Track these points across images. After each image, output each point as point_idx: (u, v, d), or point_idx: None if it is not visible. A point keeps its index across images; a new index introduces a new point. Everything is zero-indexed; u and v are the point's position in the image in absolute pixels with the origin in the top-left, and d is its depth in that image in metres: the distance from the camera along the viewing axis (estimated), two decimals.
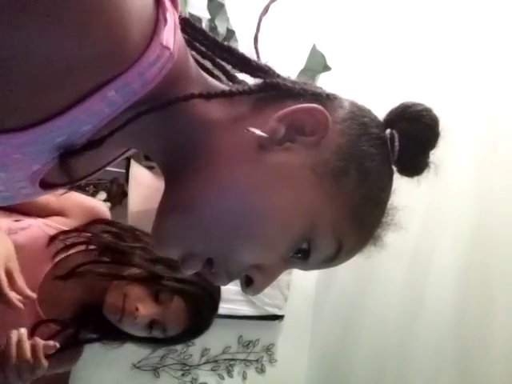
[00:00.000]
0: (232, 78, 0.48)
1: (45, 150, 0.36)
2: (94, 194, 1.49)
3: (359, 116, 0.44)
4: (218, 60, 0.46)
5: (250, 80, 0.45)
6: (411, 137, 0.44)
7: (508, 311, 1.08)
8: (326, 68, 1.79)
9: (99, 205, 1.03)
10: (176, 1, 0.37)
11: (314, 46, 1.81)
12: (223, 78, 0.47)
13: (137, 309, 0.88)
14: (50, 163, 0.38)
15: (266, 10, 1.74)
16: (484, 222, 1.17)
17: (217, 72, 0.47)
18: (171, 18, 0.35)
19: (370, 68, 1.82)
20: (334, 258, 0.43)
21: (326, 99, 0.43)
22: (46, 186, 0.43)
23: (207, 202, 0.39)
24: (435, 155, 0.45)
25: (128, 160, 1.47)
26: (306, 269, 0.45)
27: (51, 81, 0.30)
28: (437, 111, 0.45)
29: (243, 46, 1.78)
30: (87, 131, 0.36)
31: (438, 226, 1.30)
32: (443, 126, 0.45)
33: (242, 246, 0.40)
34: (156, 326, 0.90)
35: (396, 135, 0.44)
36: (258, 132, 0.39)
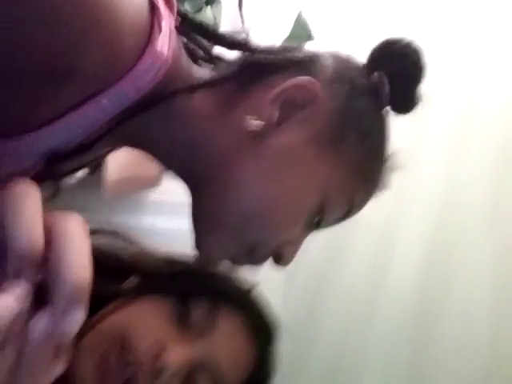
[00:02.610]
0: (215, 60, 0.48)
1: (34, 155, 0.37)
2: None
3: (345, 71, 0.45)
4: (201, 41, 0.47)
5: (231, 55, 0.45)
6: (400, 75, 0.45)
7: (465, 291, 1.15)
8: (310, 37, 1.76)
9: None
10: (172, 5, 0.38)
11: (300, 13, 1.77)
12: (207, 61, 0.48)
13: (159, 352, 0.44)
14: (33, 167, 0.38)
15: None
16: (450, 205, 1.23)
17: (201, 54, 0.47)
18: (166, 23, 0.36)
19: (354, 40, 1.76)
20: (346, 216, 0.48)
21: (310, 63, 0.44)
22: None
23: (231, 209, 0.45)
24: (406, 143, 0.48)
25: None
26: (322, 228, 0.49)
27: (47, 88, 0.31)
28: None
29: (227, 10, 1.73)
30: (78, 136, 0.37)
31: (408, 202, 1.35)
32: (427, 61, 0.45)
33: (271, 229, 0.45)
34: (200, 376, 0.47)
35: (384, 77, 0.45)
36: (254, 122, 0.41)
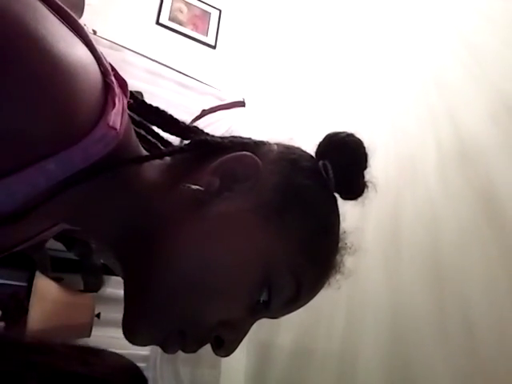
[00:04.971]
0: (167, 144, 0.49)
1: None
2: None
3: (288, 154, 0.46)
4: (154, 129, 0.49)
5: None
6: (342, 163, 0.47)
7: None
8: None
9: None
10: (125, 87, 0.40)
11: None
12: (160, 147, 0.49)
13: None
14: None
15: None
16: (398, 313, 1.23)
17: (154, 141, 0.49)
18: (119, 102, 0.37)
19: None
20: (296, 298, 0.43)
21: (255, 146, 0.45)
22: None
23: (162, 279, 0.39)
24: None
25: (32, 272, 1.38)
26: (273, 316, 0.45)
27: None
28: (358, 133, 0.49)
29: None
30: (17, 201, 0.35)
31: (358, 327, 1.34)
32: (368, 146, 0.48)
33: (206, 304, 0.40)
34: None
35: (328, 165, 0.47)
36: (193, 187, 0.41)
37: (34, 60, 0.30)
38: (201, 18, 2.29)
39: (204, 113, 1.47)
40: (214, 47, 2.27)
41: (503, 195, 1.04)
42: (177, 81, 2.04)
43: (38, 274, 1.40)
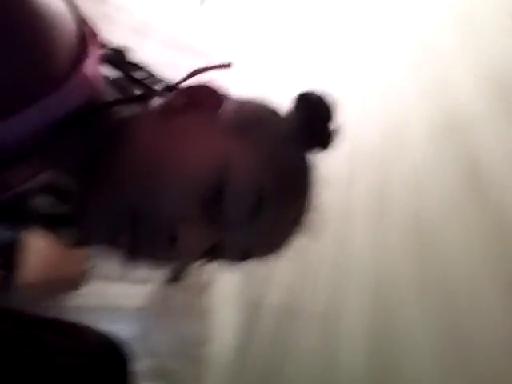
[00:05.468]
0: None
1: None
2: None
3: (253, 104, 0.47)
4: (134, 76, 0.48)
5: None
6: (305, 110, 0.47)
7: (411, 355, 1.15)
8: None
9: None
10: (97, 36, 0.41)
11: None
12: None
13: None
14: None
15: None
16: (382, 277, 1.26)
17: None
18: (93, 51, 0.38)
19: None
20: (259, 213, 0.42)
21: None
22: None
23: (114, 170, 0.40)
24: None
25: (21, 226, 1.37)
26: (233, 230, 0.42)
27: None
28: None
29: None
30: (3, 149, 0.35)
31: (343, 287, 1.36)
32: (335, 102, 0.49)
33: (156, 190, 0.39)
34: None
35: (292, 113, 0.48)
36: (158, 102, 0.43)
37: (14, 9, 0.30)
38: None
39: (191, 74, 1.42)
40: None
41: (488, 167, 1.05)
42: (164, 40, 1.97)
43: (28, 228, 1.39)
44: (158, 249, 0.42)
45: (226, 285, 1.93)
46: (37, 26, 0.32)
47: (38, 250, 1.40)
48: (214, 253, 0.45)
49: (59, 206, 1.47)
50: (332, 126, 0.50)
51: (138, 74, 0.49)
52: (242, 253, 0.47)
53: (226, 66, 0.47)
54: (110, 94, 0.44)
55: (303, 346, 1.49)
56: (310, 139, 0.49)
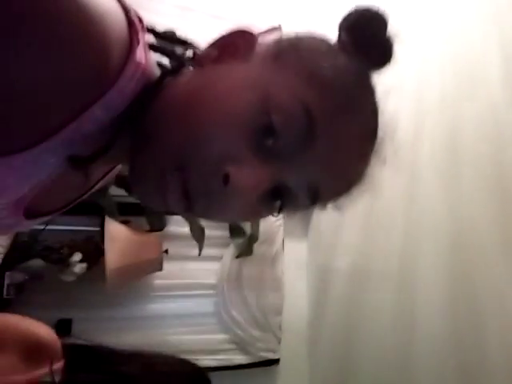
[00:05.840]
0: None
1: (37, 173, 0.38)
2: (69, 256, 1.51)
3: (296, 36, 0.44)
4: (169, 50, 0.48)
5: None
6: (357, 24, 0.44)
7: (497, 316, 1.09)
8: None
9: (47, 334, 0.73)
10: (142, 21, 0.41)
11: None
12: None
13: None
14: (37, 187, 0.39)
15: None
16: (459, 233, 1.19)
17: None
18: (142, 36, 0.38)
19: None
20: (310, 134, 0.39)
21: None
22: (30, 215, 0.44)
23: (160, 121, 0.39)
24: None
25: (102, 218, 1.51)
26: (298, 166, 0.40)
27: (46, 104, 0.33)
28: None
29: None
30: (77, 149, 0.37)
31: (417, 245, 1.32)
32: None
33: (200, 132, 0.38)
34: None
35: (342, 31, 0.44)
36: (194, 51, 0.43)
37: (62, 7, 0.31)
38: None
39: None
40: None
41: None
42: (208, 13, 1.98)
43: (107, 218, 1.51)
44: (212, 193, 0.38)
45: (294, 254, 1.94)
46: (93, 22, 0.33)
47: (119, 237, 1.53)
48: (282, 199, 0.42)
49: (130, 196, 1.57)
50: (385, 37, 0.44)
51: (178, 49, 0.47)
52: (310, 190, 0.41)
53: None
54: (156, 69, 0.44)
55: (378, 307, 1.46)
56: (364, 54, 0.43)
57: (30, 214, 0.44)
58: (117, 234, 1.52)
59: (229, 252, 1.83)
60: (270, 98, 0.38)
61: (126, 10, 0.38)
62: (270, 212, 0.43)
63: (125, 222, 1.59)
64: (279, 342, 1.89)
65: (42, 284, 1.52)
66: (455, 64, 1.26)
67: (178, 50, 0.47)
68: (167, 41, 0.48)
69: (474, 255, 1.15)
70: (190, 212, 0.40)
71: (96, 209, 1.52)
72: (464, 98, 1.20)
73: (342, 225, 1.67)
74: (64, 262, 1.49)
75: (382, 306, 1.45)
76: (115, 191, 1.48)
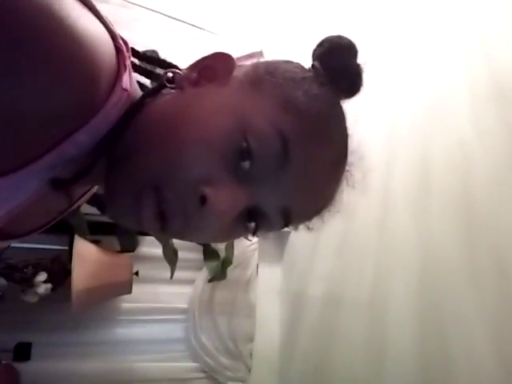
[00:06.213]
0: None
1: (15, 197, 0.37)
2: (33, 276, 1.44)
3: (273, 62, 0.46)
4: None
5: None
6: (329, 53, 0.46)
7: (463, 340, 1.10)
8: None
9: None
10: (127, 44, 0.41)
11: None
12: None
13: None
14: (14, 210, 0.39)
15: None
16: (429, 260, 1.22)
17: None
18: (128, 62, 0.39)
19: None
20: (284, 159, 0.40)
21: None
22: (3, 236, 0.45)
23: (136, 141, 0.40)
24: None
25: (71, 237, 1.46)
26: (271, 189, 0.41)
27: (31, 129, 0.33)
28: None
29: None
30: (58, 173, 0.37)
31: (388, 272, 1.34)
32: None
33: (178, 153, 0.38)
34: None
35: (316, 62, 0.46)
36: (174, 73, 0.43)
37: (55, 38, 0.31)
38: None
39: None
40: None
41: None
42: (191, 35, 2.00)
43: (77, 237, 1.46)
44: (188, 214, 0.39)
45: (268, 280, 1.94)
46: (79, 50, 0.33)
47: (88, 257, 1.47)
48: (256, 220, 0.43)
49: (102, 215, 1.53)
50: (355, 65, 0.47)
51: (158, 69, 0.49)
52: (283, 212, 0.43)
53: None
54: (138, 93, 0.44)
55: (350, 334, 1.47)
56: (335, 82, 0.45)
57: (4, 235, 0.44)
58: (86, 254, 1.47)
59: (202, 276, 1.79)
60: (246, 123, 0.40)
61: (114, 37, 0.38)
62: (243, 233, 0.45)
63: (95, 242, 1.54)
64: (249, 371, 1.85)
65: (2, 304, 1.44)
66: (425, 98, 1.31)
67: (158, 70, 0.49)
68: (147, 61, 0.49)
69: (442, 282, 1.18)
70: (164, 232, 0.40)
71: (65, 227, 1.47)
72: (434, 127, 1.25)
73: (315, 251, 1.69)
74: (27, 282, 1.42)
75: (354, 332, 1.45)
76: (86, 209, 1.44)
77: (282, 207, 0.43)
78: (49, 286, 1.43)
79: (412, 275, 1.26)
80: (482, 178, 1.10)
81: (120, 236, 1.60)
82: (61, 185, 0.38)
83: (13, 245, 1.33)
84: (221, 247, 1.72)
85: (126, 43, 0.41)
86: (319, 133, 0.43)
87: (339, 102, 0.47)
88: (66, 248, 1.51)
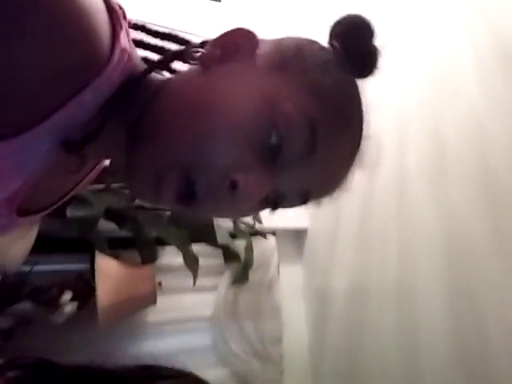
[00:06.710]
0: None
1: (30, 161, 0.37)
2: (59, 296, 1.45)
3: (293, 39, 0.45)
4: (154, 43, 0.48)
5: None
6: (346, 32, 0.45)
7: (499, 320, 1.07)
8: None
9: None
10: (123, 8, 0.41)
11: None
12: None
13: None
14: (30, 181, 0.39)
15: None
16: (454, 241, 1.18)
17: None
18: (124, 23, 0.39)
19: None
20: (312, 148, 0.40)
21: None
22: (22, 214, 0.44)
23: (164, 120, 0.39)
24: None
25: (92, 254, 1.47)
26: (295, 174, 0.42)
27: (34, 89, 0.33)
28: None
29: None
30: (68, 135, 0.37)
31: (413, 257, 1.31)
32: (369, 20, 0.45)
33: (208, 139, 0.38)
34: None
35: (334, 41, 0.45)
36: (199, 56, 0.42)
37: (54, 2, 0.32)
38: None
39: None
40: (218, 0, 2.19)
41: None
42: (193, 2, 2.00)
43: (97, 254, 1.47)
44: (219, 197, 0.40)
45: (290, 279, 1.91)
46: (76, 10, 0.33)
47: (110, 273, 1.48)
48: (275, 199, 0.44)
49: (121, 230, 1.54)
50: (374, 46, 0.46)
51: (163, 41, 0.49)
52: (302, 194, 0.45)
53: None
54: (142, 62, 0.44)
55: (379, 325, 1.43)
56: (354, 63, 0.45)
57: (22, 211, 0.44)
58: (108, 270, 1.48)
59: (224, 280, 1.79)
60: (276, 108, 0.40)
61: None
62: (262, 209, 0.47)
63: (115, 256, 1.55)
64: (282, 373, 1.82)
65: (31, 328, 1.45)
66: (430, 70, 1.29)
67: (173, 47, 0.48)
68: (159, 36, 0.49)
69: (470, 262, 1.15)
70: (190, 208, 0.41)
71: (85, 245, 1.48)
72: (443, 101, 1.23)
73: (335, 243, 1.66)
74: (54, 303, 1.43)
75: (383, 323, 1.42)
76: (103, 226, 1.45)
77: (303, 191, 0.44)
78: (75, 304, 1.44)
79: (438, 257, 1.23)
80: (497, 142, 1.08)
81: (140, 248, 1.61)
82: (72, 147, 0.38)
83: (36, 268, 1.34)
84: (240, 248, 1.72)
85: (121, 7, 0.41)
86: (344, 122, 0.44)
87: (356, 84, 0.47)
88: (88, 266, 1.52)
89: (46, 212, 0.49)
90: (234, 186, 0.39)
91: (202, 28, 2.07)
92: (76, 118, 0.37)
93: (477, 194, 1.13)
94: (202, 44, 0.46)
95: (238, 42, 0.43)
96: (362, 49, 0.46)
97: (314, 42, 0.46)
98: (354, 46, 0.45)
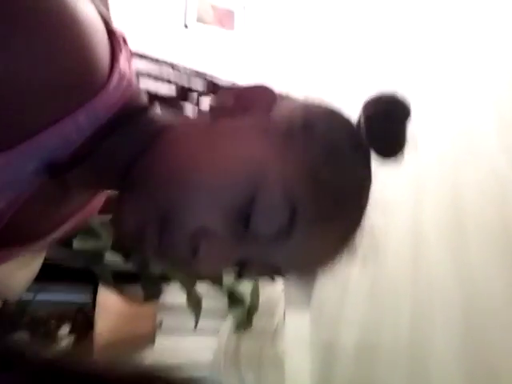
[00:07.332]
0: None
1: (16, 181, 0.36)
2: (56, 329, 1.42)
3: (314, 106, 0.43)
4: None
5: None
6: (376, 112, 0.42)
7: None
8: None
9: None
10: (125, 38, 0.41)
11: None
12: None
13: None
14: (15, 203, 0.38)
15: None
16: (471, 298, 1.14)
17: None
18: (124, 48, 0.39)
19: None
20: (288, 230, 0.38)
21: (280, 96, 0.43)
22: (7, 243, 0.43)
23: (155, 173, 0.39)
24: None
25: (95, 286, 1.44)
26: (265, 250, 0.40)
27: (25, 104, 0.32)
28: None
29: None
30: (56, 157, 0.36)
31: (427, 314, 1.27)
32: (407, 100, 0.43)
33: (187, 197, 0.38)
34: None
35: (361, 116, 0.42)
36: (209, 104, 0.42)
37: (54, 17, 0.32)
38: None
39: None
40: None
41: None
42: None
43: (100, 288, 1.44)
44: (179, 256, 0.40)
45: (296, 328, 1.87)
46: (79, 32, 0.33)
47: (112, 309, 1.45)
48: (240, 268, 0.43)
49: (126, 263, 1.52)
50: (403, 135, 0.44)
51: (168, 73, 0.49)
52: (272, 269, 0.43)
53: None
54: (144, 94, 0.44)
55: None
56: (377, 149, 0.43)
57: (7, 241, 0.43)
58: (109, 306, 1.45)
59: (226, 325, 1.73)
60: (262, 181, 0.38)
61: (107, 22, 0.38)
62: (229, 273, 0.45)
63: (119, 291, 1.52)
64: None
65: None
66: (452, 128, 1.29)
67: (195, 83, 0.48)
68: (179, 71, 0.50)
69: (488, 319, 1.10)
70: (159, 258, 0.42)
71: (89, 275, 1.46)
72: (464, 158, 1.22)
73: (345, 295, 1.61)
74: (51, 335, 1.40)
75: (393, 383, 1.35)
76: (109, 258, 1.43)
77: (273, 266, 0.42)
78: (71, 338, 1.40)
79: (453, 315, 1.19)
80: None
81: (144, 285, 1.58)
82: (55, 171, 0.37)
83: (38, 298, 1.32)
84: (246, 292, 1.67)
85: (120, 32, 0.41)
86: (333, 214, 0.41)
87: (370, 171, 0.45)
88: (90, 300, 1.49)
89: (36, 243, 0.47)
90: (194, 250, 0.39)
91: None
92: (67, 139, 0.36)
93: (497, 257, 1.10)
94: (219, 88, 0.47)
95: (254, 99, 0.42)
96: (390, 136, 0.44)
97: (336, 114, 0.44)
98: (383, 131, 0.43)
